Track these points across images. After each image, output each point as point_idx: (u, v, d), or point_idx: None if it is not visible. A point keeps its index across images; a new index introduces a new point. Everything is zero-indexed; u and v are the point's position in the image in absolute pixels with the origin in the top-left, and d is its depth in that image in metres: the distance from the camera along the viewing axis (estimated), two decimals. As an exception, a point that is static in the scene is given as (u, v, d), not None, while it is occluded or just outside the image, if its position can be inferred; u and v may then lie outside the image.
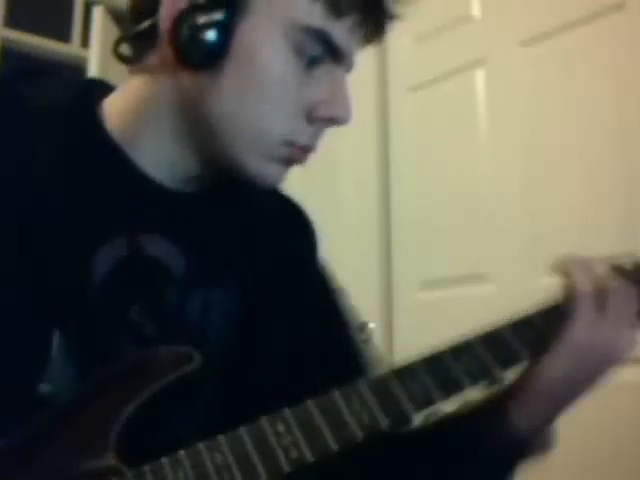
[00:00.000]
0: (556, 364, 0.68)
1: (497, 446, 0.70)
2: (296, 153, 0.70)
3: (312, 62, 0.67)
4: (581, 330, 0.68)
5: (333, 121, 0.70)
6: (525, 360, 0.69)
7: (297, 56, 0.66)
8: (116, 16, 2.80)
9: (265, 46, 0.66)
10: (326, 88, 0.68)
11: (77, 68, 3.01)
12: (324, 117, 0.69)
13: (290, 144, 0.69)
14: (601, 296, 0.69)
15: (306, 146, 0.70)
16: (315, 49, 0.66)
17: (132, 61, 0.73)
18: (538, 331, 0.70)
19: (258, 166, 0.69)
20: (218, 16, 0.64)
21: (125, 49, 0.73)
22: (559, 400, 0.70)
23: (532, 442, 0.71)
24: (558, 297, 0.71)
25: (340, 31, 0.67)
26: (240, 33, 0.65)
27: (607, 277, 0.70)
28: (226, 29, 0.64)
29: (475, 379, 0.66)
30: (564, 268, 0.71)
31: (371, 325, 2.18)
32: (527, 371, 0.70)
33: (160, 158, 0.71)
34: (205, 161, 0.71)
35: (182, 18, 0.64)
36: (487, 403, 0.71)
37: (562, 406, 0.71)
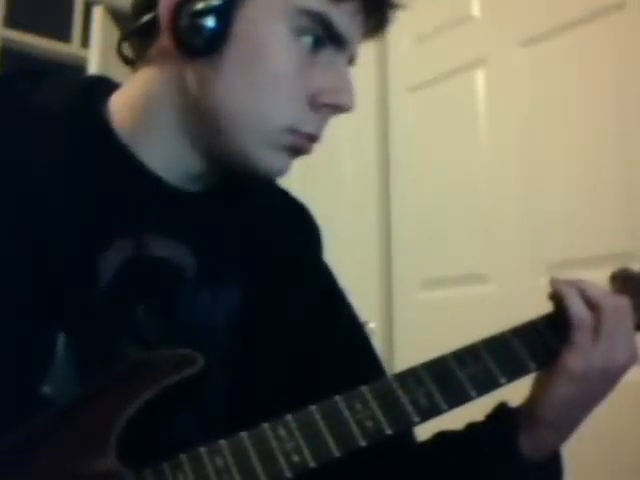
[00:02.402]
0: (558, 398, 0.68)
1: (508, 475, 0.70)
2: (300, 141, 0.69)
3: (313, 47, 0.66)
4: (578, 362, 0.67)
5: (337, 108, 0.69)
6: (532, 370, 0.68)
7: (298, 41, 0.66)
8: (116, 16, 2.79)
9: (265, 31, 0.65)
10: (329, 75, 0.68)
11: (77, 68, 3.01)
12: (328, 104, 0.68)
13: (294, 131, 0.68)
14: (595, 322, 0.68)
15: (310, 134, 0.69)
16: (316, 33, 0.66)
17: (135, 61, 0.73)
18: (545, 340, 0.69)
19: (262, 155, 0.68)
20: (216, 2, 0.64)
21: (128, 49, 0.73)
22: (567, 427, 0.70)
23: (543, 468, 0.71)
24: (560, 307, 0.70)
25: (340, 16, 0.66)
26: (239, 19, 0.65)
27: (602, 299, 0.69)
28: (225, 15, 0.64)
29: (481, 389, 0.65)
30: (559, 295, 0.70)
31: (371, 325, 2.18)
32: (532, 406, 0.70)
33: (165, 155, 0.70)
34: (210, 157, 0.71)
35: (181, 6, 0.64)
36: (496, 433, 0.71)
37: (571, 430, 0.71)
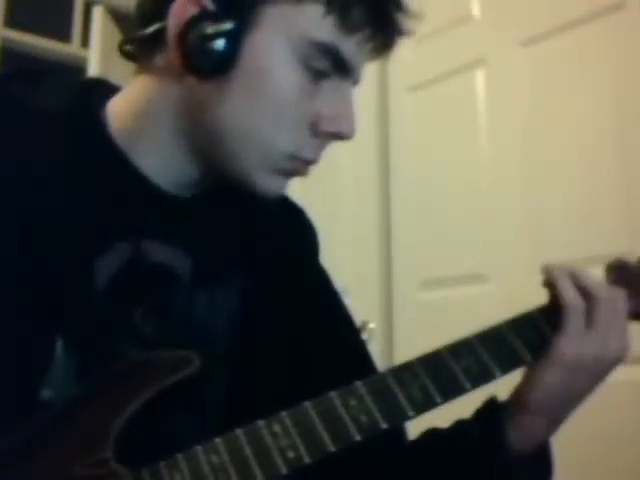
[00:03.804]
0: (548, 382, 0.68)
1: (497, 468, 0.70)
2: (299, 166, 0.70)
3: (319, 76, 0.66)
4: (569, 346, 0.67)
5: (337, 136, 0.70)
6: (527, 361, 0.69)
7: (304, 70, 0.66)
8: (116, 16, 2.80)
9: (273, 58, 0.65)
10: (332, 102, 0.68)
11: (77, 68, 3.01)
12: (328, 132, 0.69)
13: (294, 157, 0.68)
14: (589, 309, 0.68)
15: (309, 159, 0.70)
16: (323, 63, 0.66)
17: (137, 59, 0.73)
18: (539, 331, 0.69)
19: (260, 178, 0.69)
20: (227, 26, 0.64)
21: (130, 48, 0.73)
22: (556, 416, 0.70)
23: (532, 461, 0.70)
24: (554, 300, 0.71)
25: (349, 46, 0.66)
26: (249, 44, 0.65)
27: (595, 288, 0.69)
28: (235, 39, 0.64)
29: (476, 381, 0.66)
30: (551, 281, 0.70)
31: (371, 325, 2.18)
32: (521, 391, 0.70)
33: (161, 162, 0.71)
34: (204, 167, 0.71)
35: (191, 25, 0.64)
36: (483, 426, 0.71)
37: (560, 421, 0.71)
